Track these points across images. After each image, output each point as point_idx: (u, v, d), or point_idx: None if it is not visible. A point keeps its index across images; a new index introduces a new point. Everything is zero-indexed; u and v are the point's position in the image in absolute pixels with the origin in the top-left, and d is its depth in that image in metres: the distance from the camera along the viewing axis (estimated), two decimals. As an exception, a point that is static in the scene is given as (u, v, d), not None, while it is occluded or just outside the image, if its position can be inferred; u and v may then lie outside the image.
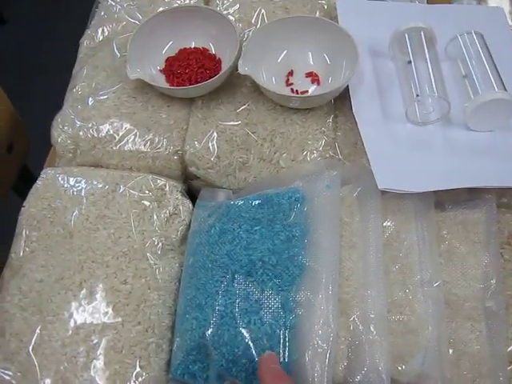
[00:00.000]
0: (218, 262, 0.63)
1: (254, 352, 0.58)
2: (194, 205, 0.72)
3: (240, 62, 0.73)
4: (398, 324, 0.60)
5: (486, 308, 0.62)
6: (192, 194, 0.76)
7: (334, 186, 0.65)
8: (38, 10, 2.04)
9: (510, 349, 0.62)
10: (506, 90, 0.71)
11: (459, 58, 0.78)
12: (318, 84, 0.77)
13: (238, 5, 0.83)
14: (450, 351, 0.60)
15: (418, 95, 0.72)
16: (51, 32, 1.93)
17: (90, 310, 0.62)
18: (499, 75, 0.73)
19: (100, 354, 0.60)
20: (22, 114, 1.05)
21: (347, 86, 0.74)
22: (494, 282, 0.63)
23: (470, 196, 0.68)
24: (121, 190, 0.70)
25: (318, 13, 0.84)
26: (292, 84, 0.77)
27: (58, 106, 0.78)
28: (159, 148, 0.73)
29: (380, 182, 0.64)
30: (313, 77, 0.78)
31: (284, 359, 0.57)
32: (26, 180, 1.12)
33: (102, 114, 0.74)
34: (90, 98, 0.75)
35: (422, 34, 0.76)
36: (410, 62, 0.76)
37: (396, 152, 0.69)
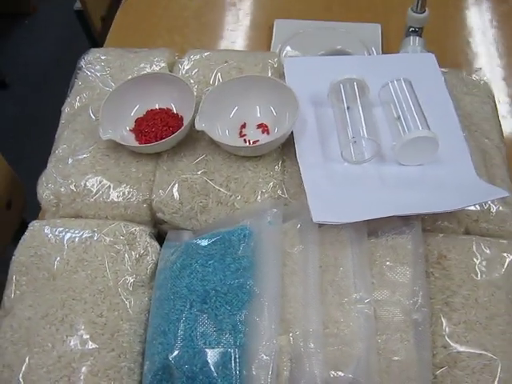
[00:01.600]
0: (179, 294, 0.73)
1: (210, 369, 0.67)
2: (161, 246, 0.83)
3: (196, 119, 0.84)
4: (334, 338, 0.69)
5: (413, 320, 0.71)
6: (161, 237, 0.86)
7: (275, 221, 0.76)
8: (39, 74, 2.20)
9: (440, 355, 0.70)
10: (429, 128, 0.82)
11: (391, 102, 0.88)
12: (268, 133, 0.88)
13: (197, 68, 0.95)
14: (381, 360, 0.69)
15: (353, 137, 0.82)
16: (49, 96, 2.09)
17: (71, 341, 0.72)
18: (424, 116, 0.84)
19: (79, 377, 0.69)
20: (20, 174, 1.18)
21: (293, 134, 0.85)
22: (420, 297, 0.72)
23: (400, 223, 0.78)
24: (97, 237, 0.80)
25: (269, 71, 0.95)
26: (245, 135, 0.88)
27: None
28: (130, 198, 0.84)
29: (314, 215, 0.74)
30: (263, 127, 0.89)
31: (235, 374, 0.67)
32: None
33: (80, 171, 0.85)
34: (70, 158, 0.87)
35: (355, 84, 0.87)
36: (348, 108, 0.87)
37: (332, 188, 0.79)
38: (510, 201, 0.85)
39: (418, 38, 1.15)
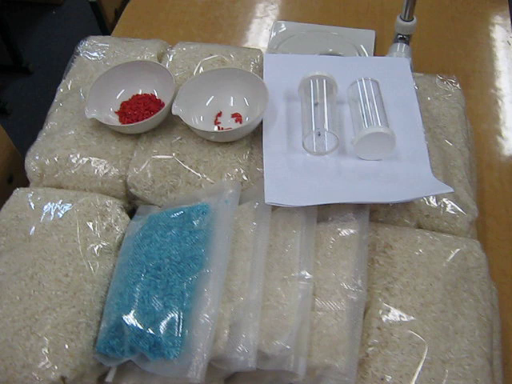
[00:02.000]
0: (138, 260, 0.79)
1: (157, 328, 0.74)
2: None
3: (174, 105, 0.91)
4: (272, 310, 0.75)
5: (349, 300, 0.76)
6: (135, 212, 0.93)
7: (231, 201, 0.82)
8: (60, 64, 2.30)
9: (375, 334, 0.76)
10: (387, 126, 0.87)
11: (358, 100, 0.93)
12: (240, 122, 0.94)
13: (183, 59, 1.02)
14: (314, 333, 0.74)
15: (316, 129, 0.88)
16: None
17: (37, 295, 0.79)
18: (385, 114, 0.89)
19: (40, 328, 0.76)
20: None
21: (263, 125, 0.91)
22: (359, 279, 0.78)
23: (349, 212, 0.83)
24: (73, 206, 0.87)
25: (251, 66, 1.02)
26: (219, 123, 0.95)
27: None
28: (107, 173, 0.91)
29: (267, 197, 0.80)
30: (237, 117, 0.95)
31: (178, 334, 0.73)
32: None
33: (64, 146, 0.93)
34: (57, 134, 0.94)
35: (324, 81, 0.92)
36: (316, 103, 0.92)
37: (290, 174, 0.85)
38: (464, 200, 0.89)
39: (404, 45, 1.20)
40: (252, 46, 1.32)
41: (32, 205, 0.88)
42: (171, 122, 0.95)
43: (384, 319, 0.77)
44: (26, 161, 0.93)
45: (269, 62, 1.00)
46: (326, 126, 0.87)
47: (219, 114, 0.96)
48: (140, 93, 0.98)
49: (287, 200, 0.80)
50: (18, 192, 0.90)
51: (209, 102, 0.96)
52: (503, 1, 1.44)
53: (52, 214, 0.86)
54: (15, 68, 2.32)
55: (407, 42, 1.21)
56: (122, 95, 0.98)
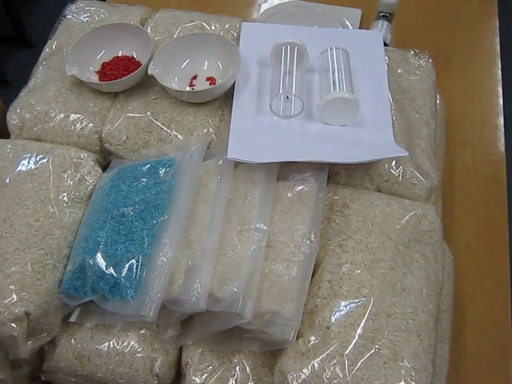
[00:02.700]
0: (104, 208, 0.84)
1: (117, 270, 0.78)
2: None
3: (150, 65, 0.95)
4: (227, 258, 0.79)
5: (301, 252, 0.80)
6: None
7: (196, 155, 0.86)
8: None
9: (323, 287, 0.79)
10: (352, 92, 0.91)
11: (327, 69, 0.97)
12: (214, 85, 0.98)
13: (164, 24, 1.06)
14: (265, 281, 0.78)
15: (282, 92, 0.91)
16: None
17: (8, 237, 0.83)
18: (351, 82, 0.92)
19: (9, 267, 0.81)
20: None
21: (235, 88, 0.95)
22: (312, 234, 0.81)
23: (308, 172, 0.87)
24: (49, 157, 0.92)
25: (229, 34, 1.05)
26: (194, 85, 0.98)
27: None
28: (84, 128, 0.95)
29: (230, 152, 0.84)
30: (211, 80, 0.99)
31: (136, 276, 0.77)
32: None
33: (45, 100, 0.97)
34: (38, 90, 0.99)
35: (296, 48, 0.96)
36: (286, 71, 0.96)
37: (255, 134, 0.89)
38: (425, 168, 0.93)
39: (386, 22, 1.24)
40: (242, 16, 1.35)
41: (10, 155, 0.92)
42: (148, 83, 0.99)
43: (335, 273, 0.81)
44: (7, 114, 0.97)
45: (246, 30, 1.04)
46: (293, 90, 0.90)
47: (194, 77, 1.00)
48: (120, 54, 1.02)
49: (249, 156, 0.84)
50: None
51: (184, 64, 0.99)
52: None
53: (28, 164, 0.91)
54: (18, 40, 2.37)
55: (389, 20, 1.24)
56: (102, 56, 1.02)
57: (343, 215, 0.86)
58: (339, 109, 0.90)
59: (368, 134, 0.91)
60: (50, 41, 1.08)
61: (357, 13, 1.37)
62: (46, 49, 1.07)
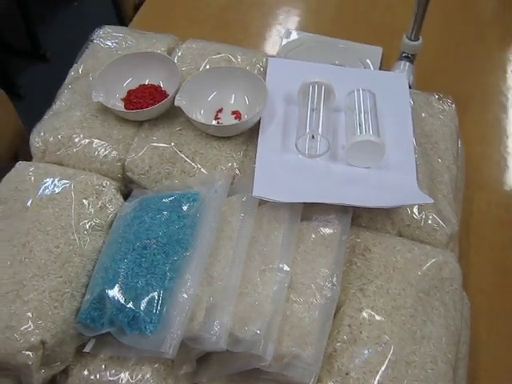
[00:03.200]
0: (126, 238, 0.83)
1: (137, 304, 0.77)
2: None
3: (177, 96, 0.95)
4: (248, 297, 0.78)
5: (322, 295, 0.80)
6: (129, 195, 0.96)
7: (220, 191, 0.86)
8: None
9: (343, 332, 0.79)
10: (378, 135, 0.91)
11: (354, 109, 0.97)
12: (239, 120, 0.98)
13: (191, 55, 1.07)
14: (286, 323, 0.77)
15: (308, 132, 0.92)
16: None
17: (27, 262, 0.82)
18: (377, 124, 0.93)
19: (26, 293, 0.80)
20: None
21: (260, 124, 0.95)
22: (334, 277, 0.81)
23: (332, 213, 0.86)
24: (71, 182, 0.91)
25: (255, 68, 1.06)
26: (219, 119, 0.99)
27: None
28: (107, 155, 0.95)
29: (255, 190, 0.83)
30: (237, 114, 0.99)
31: (156, 311, 0.76)
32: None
33: (69, 125, 0.97)
34: (63, 114, 0.99)
35: (323, 87, 0.96)
36: (313, 109, 0.96)
37: (280, 172, 0.89)
38: (446, 214, 0.93)
39: (408, 63, 1.24)
40: (264, 48, 1.36)
41: (32, 178, 0.92)
42: (173, 113, 0.99)
43: (355, 318, 0.80)
44: (30, 136, 0.97)
45: (272, 65, 1.04)
46: (320, 130, 0.91)
47: (220, 110, 1.00)
48: (147, 83, 1.02)
49: (274, 195, 0.84)
50: (20, 165, 0.94)
51: (211, 97, 1.00)
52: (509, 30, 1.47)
53: (50, 188, 0.90)
54: (33, 54, 2.38)
55: (411, 61, 1.25)
56: (129, 83, 1.03)
57: (365, 259, 0.86)
58: (365, 151, 0.90)
59: (392, 178, 0.91)
60: (75, 65, 1.08)
61: (378, 51, 1.38)
62: (71, 72, 1.07)
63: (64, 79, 1.08)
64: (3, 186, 0.92)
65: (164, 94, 1.01)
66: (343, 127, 0.97)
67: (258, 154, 0.90)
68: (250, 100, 0.99)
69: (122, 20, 1.60)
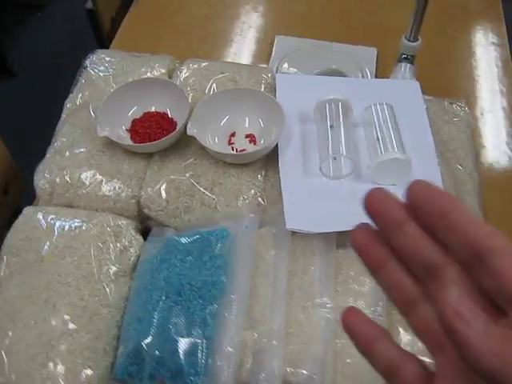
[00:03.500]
0: (156, 285, 0.78)
1: (178, 356, 0.73)
2: (146, 240, 0.88)
3: (188, 125, 0.90)
4: (295, 337, 0.75)
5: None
6: (147, 232, 0.91)
7: (251, 226, 0.81)
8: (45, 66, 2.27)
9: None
10: (404, 151, 0.88)
11: (373, 124, 0.94)
12: (255, 144, 0.94)
13: (194, 77, 1.01)
14: (338, 361, 0.74)
15: (333, 154, 0.88)
16: (52, 89, 2.16)
17: (52, 320, 0.77)
18: (400, 139, 0.90)
19: (57, 354, 0.75)
20: (19, 162, 1.23)
21: (277, 146, 0.91)
22: (379, 306, 0.78)
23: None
24: (85, 226, 0.86)
25: (262, 85, 1.01)
26: (233, 144, 0.94)
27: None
28: (120, 193, 0.89)
29: (288, 222, 0.79)
30: (251, 138, 0.94)
31: (200, 362, 0.72)
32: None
33: (76, 164, 0.91)
34: (67, 151, 0.93)
35: (340, 104, 0.93)
36: (331, 126, 0.93)
37: (308, 199, 0.85)
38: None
39: (408, 65, 1.21)
40: (253, 59, 1.31)
41: (43, 224, 0.86)
42: (184, 142, 0.94)
43: (403, 345, 0.77)
44: (35, 178, 0.91)
45: (281, 82, 1.00)
46: (343, 151, 0.87)
47: (233, 135, 0.95)
48: (152, 110, 0.97)
49: (307, 226, 0.80)
50: (28, 211, 0.88)
51: (223, 122, 0.95)
52: (499, 18, 1.45)
53: (64, 234, 0.85)
54: (-1, 69, 2.29)
55: (411, 62, 1.22)
56: (133, 112, 0.97)
57: (403, 281, 0.83)
58: (391, 169, 0.87)
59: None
60: (71, 95, 1.01)
61: (372, 52, 1.34)
62: (68, 104, 1.00)
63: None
64: (12, 235, 0.86)
65: (171, 122, 0.96)
66: (363, 143, 0.93)
67: (282, 182, 0.86)
68: (265, 122, 0.95)
69: (100, 35, 1.52)
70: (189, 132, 0.89)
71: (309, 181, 0.88)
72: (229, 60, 1.29)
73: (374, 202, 0.33)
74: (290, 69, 1.28)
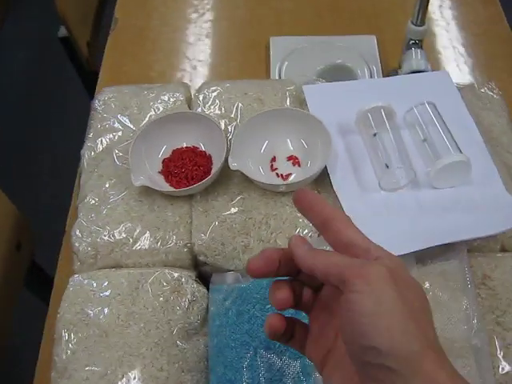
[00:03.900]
0: (240, 341, 0.73)
1: (282, 416, 0.68)
2: (207, 288, 0.82)
3: (229, 160, 0.84)
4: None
5: (472, 346, 0.73)
6: (202, 277, 0.85)
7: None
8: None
9: (497, 376, 0.72)
10: (460, 151, 0.83)
11: (417, 125, 0.89)
12: (299, 166, 0.88)
13: (217, 102, 0.95)
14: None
15: (387, 165, 0.83)
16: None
17: (135, 400, 0.71)
18: (453, 138, 0.85)
19: None
20: (23, 208, 1.15)
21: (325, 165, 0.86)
22: (475, 321, 0.74)
23: (445, 249, 0.79)
24: (143, 287, 0.79)
25: (287, 99, 0.95)
26: (276, 169, 0.88)
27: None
28: (170, 243, 0.83)
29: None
30: (293, 160, 0.89)
31: (309, 418, 0.67)
32: (37, 275, 1.21)
33: (115, 220, 0.84)
34: (102, 207, 0.85)
35: (382, 111, 0.88)
36: (375, 134, 0.88)
37: (375, 221, 0.80)
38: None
39: (419, 50, 1.17)
40: (252, 64, 1.25)
41: (97, 293, 0.79)
42: (223, 176, 0.87)
43: (503, 357, 0.74)
44: (74, 243, 0.84)
45: (310, 94, 0.95)
46: (400, 163, 0.82)
47: (273, 159, 0.89)
48: (184, 146, 0.90)
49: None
50: (75, 280, 0.81)
51: (263, 148, 0.89)
52: None
53: (123, 300, 0.78)
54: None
55: (421, 47, 1.18)
56: (163, 153, 0.90)
57: (488, 288, 0.79)
58: (451, 171, 0.83)
59: (481, 192, 0.85)
60: (87, 143, 0.93)
61: (372, 40, 1.29)
62: (86, 153, 0.92)
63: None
64: (65, 311, 0.78)
65: (205, 156, 0.89)
66: (410, 147, 0.88)
67: (344, 207, 0.81)
68: (308, 142, 0.89)
69: (77, 61, 1.43)
70: (232, 167, 0.83)
71: (368, 198, 0.84)
72: (231, 72, 1.23)
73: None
74: (293, 69, 1.22)
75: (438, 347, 0.45)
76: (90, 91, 1.25)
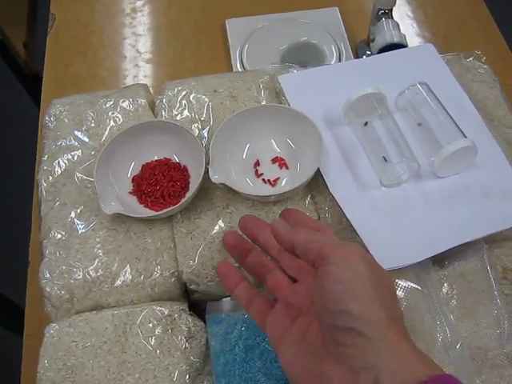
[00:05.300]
0: (253, 380, 0.64)
1: None
2: (202, 319, 0.73)
3: (210, 172, 0.73)
4: None
5: (507, 353, 0.66)
6: (194, 305, 0.76)
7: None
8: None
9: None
10: (464, 135, 0.76)
11: (411, 109, 0.81)
12: (287, 168, 0.79)
13: (184, 103, 0.84)
14: (487, 402, 0.64)
15: (384, 158, 0.75)
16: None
17: None
18: (454, 121, 0.77)
19: None
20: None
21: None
22: (506, 325, 0.67)
23: (463, 246, 0.71)
24: (131, 330, 0.69)
25: (262, 92, 0.85)
26: (262, 174, 0.79)
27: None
28: (154, 275, 0.73)
29: (382, 263, 0.66)
30: (279, 162, 0.79)
31: None
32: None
33: (88, 255, 0.73)
34: (71, 241, 0.74)
35: (373, 99, 0.79)
36: (366, 123, 0.79)
37: (382, 224, 0.72)
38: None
39: (390, 20, 1.08)
40: (209, 51, 1.14)
41: (79, 343, 0.69)
42: (204, 189, 0.78)
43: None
44: (44, 287, 0.73)
45: (287, 85, 0.85)
46: (400, 156, 0.74)
47: (257, 163, 0.80)
48: (154, 159, 0.80)
49: (401, 260, 0.68)
50: (52, 330, 0.71)
51: (245, 153, 0.79)
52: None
53: (111, 349, 0.68)
54: None
55: (391, 17, 1.09)
56: (132, 170, 0.79)
57: (510, 282, 0.73)
58: (455, 158, 0.75)
59: (487, 176, 0.77)
60: (43, 166, 0.81)
61: (335, 12, 1.20)
62: (43, 178, 0.80)
63: None
64: (45, 369, 0.68)
65: (180, 169, 0.79)
66: (408, 135, 0.80)
67: (345, 212, 0.73)
68: (294, 140, 0.79)
69: (14, 64, 1.29)
70: (214, 180, 0.73)
71: (369, 196, 0.75)
72: (187, 61, 1.12)
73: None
74: (256, 51, 1.12)
75: (404, 328, 0.48)
76: (35, 98, 1.13)
